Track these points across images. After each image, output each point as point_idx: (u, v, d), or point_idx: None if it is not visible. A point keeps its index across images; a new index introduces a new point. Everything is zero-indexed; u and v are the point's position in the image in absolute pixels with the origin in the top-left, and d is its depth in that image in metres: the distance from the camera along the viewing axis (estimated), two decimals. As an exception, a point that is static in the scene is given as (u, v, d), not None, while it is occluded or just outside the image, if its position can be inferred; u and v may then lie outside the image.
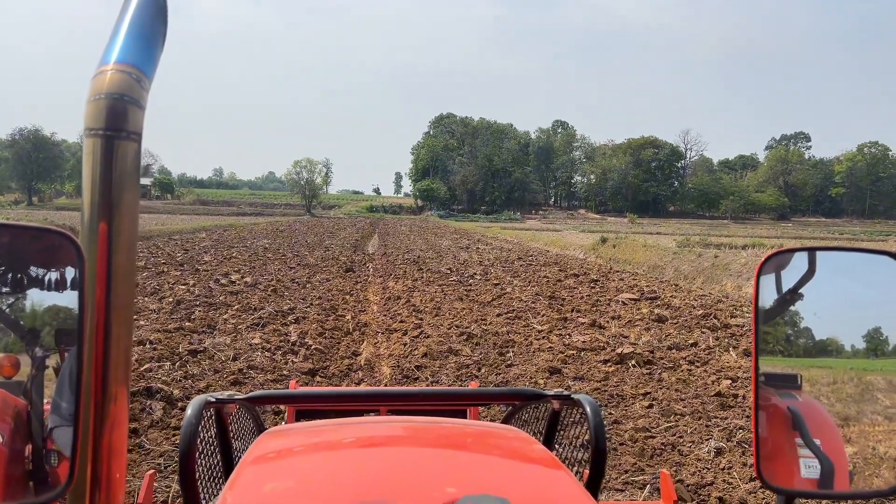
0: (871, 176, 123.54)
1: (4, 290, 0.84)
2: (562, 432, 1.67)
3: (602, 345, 8.46)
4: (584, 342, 8.60)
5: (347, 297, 12.50)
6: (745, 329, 9.48)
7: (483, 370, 7.29)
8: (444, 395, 1.94)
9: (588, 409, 1.43)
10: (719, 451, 4.81)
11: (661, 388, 6.64)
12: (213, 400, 1.45)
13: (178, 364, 6.93)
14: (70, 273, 0.82)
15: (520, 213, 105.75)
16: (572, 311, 11.25)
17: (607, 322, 10.21)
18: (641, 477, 4.37)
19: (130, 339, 0.85)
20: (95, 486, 0.79)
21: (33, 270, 0.85)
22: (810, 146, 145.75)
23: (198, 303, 10.71)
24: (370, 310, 11.40)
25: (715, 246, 31.68)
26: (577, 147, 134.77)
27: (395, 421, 1.58)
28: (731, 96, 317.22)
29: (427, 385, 6.63)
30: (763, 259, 0.98)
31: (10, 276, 0.85)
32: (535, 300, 12.29)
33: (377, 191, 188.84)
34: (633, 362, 7.62)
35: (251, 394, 1.61)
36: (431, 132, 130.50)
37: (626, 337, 9.07)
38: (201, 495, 1.38)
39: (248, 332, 8.64)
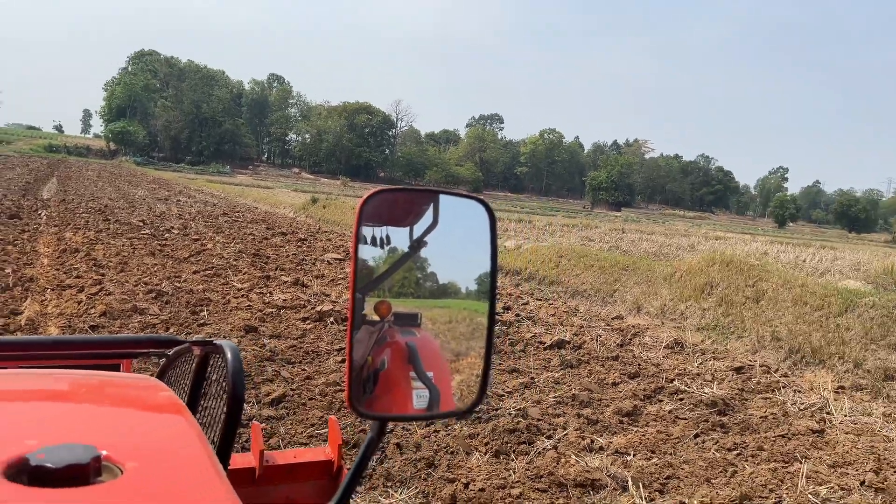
0: (549, 158, 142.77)
1: None
2: (213, 383, 1.56)
3: (303, 303, 8.46)
4: (285, 300, 8.51)
5: (10, 247, 10.65)
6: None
7: (172, 330, 6.78)
8: (68, 344, 1.72)
9: (228, 355, 1.34)
10: (402, 401, 5.14)
11: (355, 344, 6.87)
12: None
13: None
14: None
15: (230, 167, 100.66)
16: (276, 269, 11.07)
17: (311, 280, 10.25)
18: (326, 430, 4.47)
19: None
20: None
21: None
22: (503, 127, 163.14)
23: None
24: (39, 263, 9.86)
25: (417, 212, 33.72)
26: (294, 104, 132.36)
27: None
28: (441, 74, 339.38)
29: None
30: (362, 201, 0.99)
31: None
32: (238, 257, 11.83)
33: (59, 128, 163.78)
34: (332, 319, 7.76)
35: None
36: (130, 68, 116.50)
37: (327, 295, 9.19)
38: None
39: None
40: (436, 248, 1.02)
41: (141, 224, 15.56)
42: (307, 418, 4.62)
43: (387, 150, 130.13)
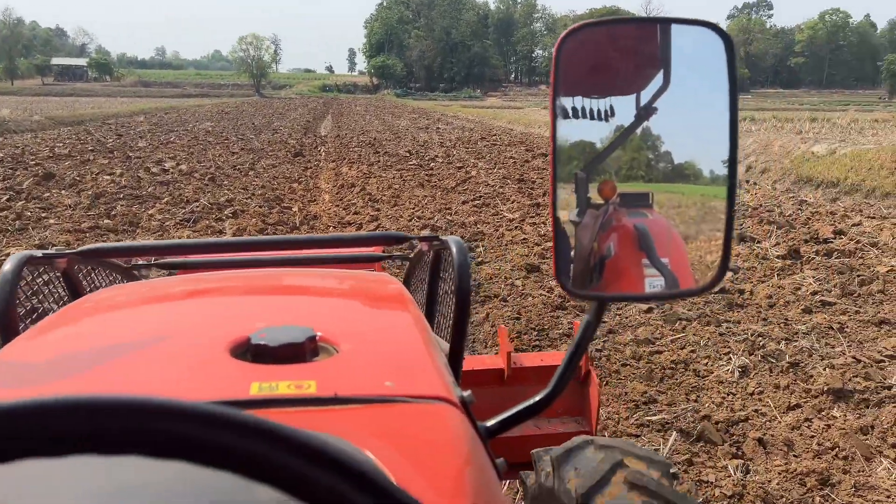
0: (831, 44, 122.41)
1: None
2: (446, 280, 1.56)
3: (582, 234, 7.52)
4: (562, 232, 7.64)
5: (295, 185, 11.22)
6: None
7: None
8: (314, 242, 1.82)
9: (453, 249, 1.37)
10: (744, 371, 3.96)
11: (656, 286, 5.76)
12: (40, 255, 1.35)
13: (85, 275, 5.75)
14: None
15: (480, 91, 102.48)
16: (544, 195, 10.24)
17: (584, 207, 9.26)
18: (657, 415, 3.48)
19: None
20: None
21: None
22: (772, 14, 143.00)
23: (122, 196, 9.36)
24: (321, 199, 10.21)
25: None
26: (538, 18, 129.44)
27: (244, 273, 1.45)
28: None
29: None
30: (560, 37, 0.81)
31: None
32: (503, 184, 11.23)
33: (330, 69, 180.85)
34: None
35: (84, 247, 1.49)
36: (385, 3, 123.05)
37: (607, 224, 8.15)
38: None
39: (175, 230, 7.44)
40: (669, 117, 0.85)
41: (407, 154, 15.77)
42: (625, 393, 3.68)
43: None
